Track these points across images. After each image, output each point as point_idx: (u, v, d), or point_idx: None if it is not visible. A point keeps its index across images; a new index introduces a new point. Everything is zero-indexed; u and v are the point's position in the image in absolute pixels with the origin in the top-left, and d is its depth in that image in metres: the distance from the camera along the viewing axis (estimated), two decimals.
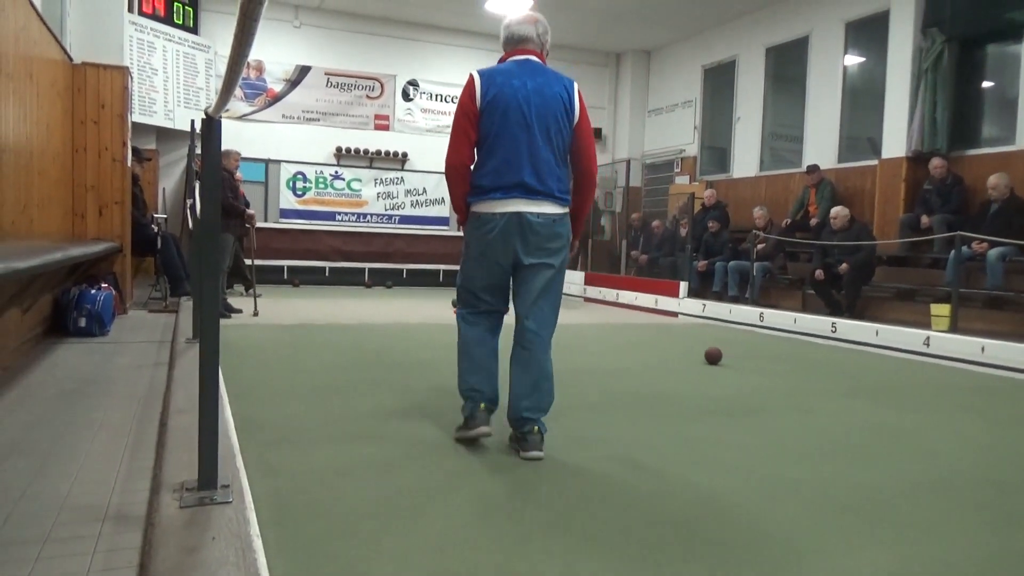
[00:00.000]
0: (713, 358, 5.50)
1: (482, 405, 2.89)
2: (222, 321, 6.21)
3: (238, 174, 8.16)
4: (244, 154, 11.05)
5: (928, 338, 6.09)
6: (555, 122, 2.81)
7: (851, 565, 2.01)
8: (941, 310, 6.36)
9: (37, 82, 4.90)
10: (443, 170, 2.93)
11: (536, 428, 2.85)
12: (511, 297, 2.98)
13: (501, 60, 2.97)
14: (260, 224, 10.83)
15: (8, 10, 4.13)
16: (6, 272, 2.61)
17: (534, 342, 2.87)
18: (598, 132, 13.48)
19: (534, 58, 2.91)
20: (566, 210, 2.87)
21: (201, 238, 2.30)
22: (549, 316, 2.91)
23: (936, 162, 7.72)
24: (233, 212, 6.94)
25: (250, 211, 7.28)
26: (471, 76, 2.86)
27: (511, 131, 2.77)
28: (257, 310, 7.25)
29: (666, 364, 5.49)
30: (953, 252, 6.55)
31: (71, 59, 6.23)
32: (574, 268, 11.74)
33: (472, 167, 2.87)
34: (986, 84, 8.02)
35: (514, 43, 2.94)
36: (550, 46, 3.00)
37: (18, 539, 1.94)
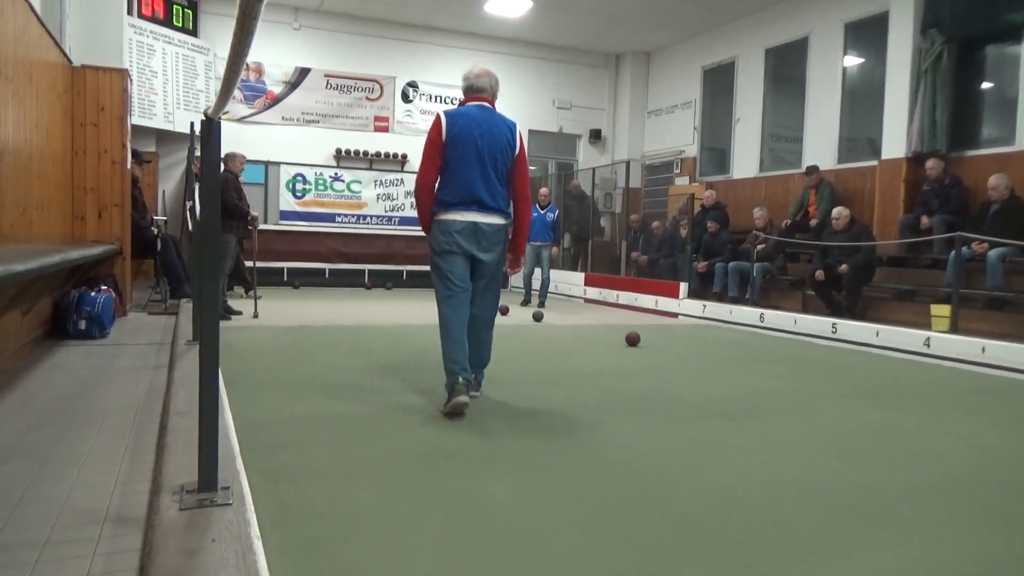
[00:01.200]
0: (632, 340, 6.26)
1: (460, 379, 3.52)
2: (222, 323, 6.25)
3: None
4: (245, 155, 11.09)
5: (929, 339, 6.09)
6: (500, 155, 3.65)
7: (854, 567, 2.01)
8: (941, 311, 6.36)
9: (36, 85, 4.90)
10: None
11: (475, 377, 3.92)
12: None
13: (462, 103, 3.81)
14: (260, 226, 10.85)
15: (7, 13, 4.13)
16: (5, 275, 2.61)
17: (478, 324, 3.84)
18: (598, 133, 13.48)
19: (487, 104, 3.78)
20: (507, 221, 3.74)
21: (201, 240, 2.30)
22: (491, 304, 3.89)
23: (931, 163, 7.72)
24: (238, 214, 6.94)
25: (253, 213, 7.28)
26: (438, 115, 3.65)
27: (468, 160, 3.58)
28: (257, 312, 7.25)
29: (666, 365, 5.48)
30: (953, 253, 6.55)
31: (70, 62, 6.23)
32: (574, 269, 11.74)
33: (436, 186, 3.67)
34: (986, 85, 8.02)
35: (473, 92, 3.80)
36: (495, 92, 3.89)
37: (18, 542, 1.93)
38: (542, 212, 9.66)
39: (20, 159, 4.45)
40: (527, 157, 3.81)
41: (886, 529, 2.29)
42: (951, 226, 7.08)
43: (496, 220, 3.67)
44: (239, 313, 7.21)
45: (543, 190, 10.02)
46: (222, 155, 7.43)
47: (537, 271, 9.72)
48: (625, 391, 4.31)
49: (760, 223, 8.89)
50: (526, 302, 9.64)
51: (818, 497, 2.55)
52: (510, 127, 3.73)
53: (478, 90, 3.80)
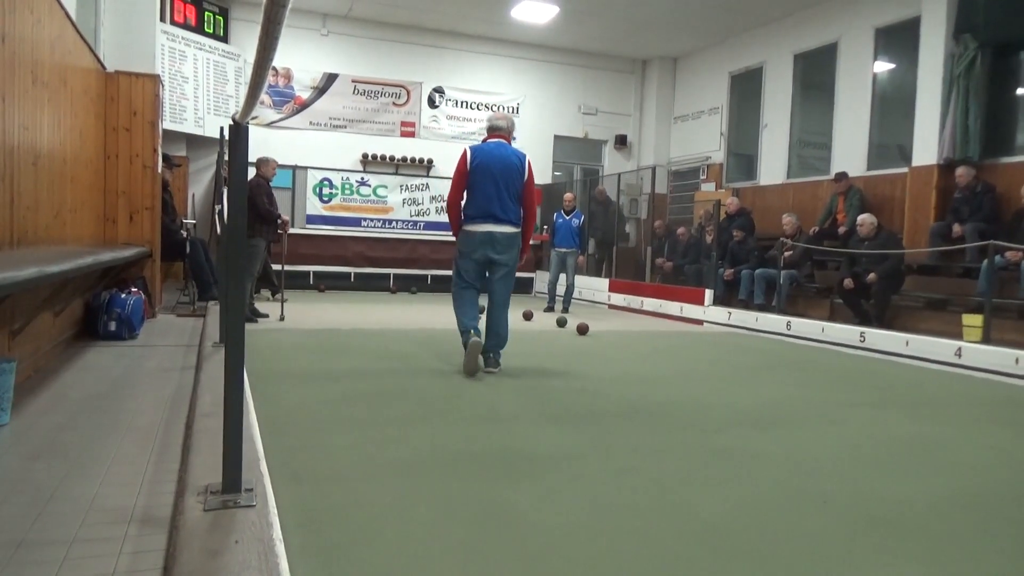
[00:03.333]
0: (582, 330, 7.13)
1: (471, 331, 4.70)
2: (249, 326, 6.31)
3: None
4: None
5: (960, 349, 5.98)
6: (511, 180, 4.75)
7: None
8: (973, 320, 6.23)
9: (71, 90, 5.00)
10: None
11: (492, 355, 4.85)
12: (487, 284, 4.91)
13: (485, 140, 4.91)
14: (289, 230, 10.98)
15: (44, 20, 4.22)
16: (39, 276, 2.65)
17: (494, 305, 4.85)
18: (623, 139, 13.44)
19: (503, 140, 4.87)
20: (518, 230, 4.81)
21: (228, 243, 2.32)
22: (505, 290, 4.85)
23: (961, 171, 7.59)
24: (269, 218, 7.02)
25: (284, 217, 7.36)
26: (465, 151, 4.80)
27: (486, 185, 4.71)
28: (283, 315, 7.32)
29: (692, 373, 5.44)
30: (986, 261, 6.42)
31: (104, 67, 6.34)
32: (598, 275, 11.70)
33: (463, 203, 4.82)
34: (1020, 91, 7.87)
35: (493, 131, 4.91)
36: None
37: (46, 539, 1.96)
38: (567, 218, 9.54)
39: (55, 163, 4.54)
40: (535, 179, 4.92)
41: (915, 543, 2.24)
42: (983, 234, 6.95)
43: (507, 229, 4.76)
44: (266, 316, 7.28)
45: (568, 195, 9.90)
46: (255, 160, 7.52)
47: (562, 277, 9.64)
48: (649, 398, 4.28)
49: (789, 230, 8.78)
50: (550, 308, 9.55)
51: (846, 509, 2.51)
52: (520, 158, 4.81)
53: (497, 129, 4.90)
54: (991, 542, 2.29)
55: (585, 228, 9.85)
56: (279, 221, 7.16)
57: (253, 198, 6.84)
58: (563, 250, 9.50)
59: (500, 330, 4.85)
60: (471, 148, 4.80)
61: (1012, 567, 2.11)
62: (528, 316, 8.37)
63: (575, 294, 10.02)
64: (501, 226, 4.73)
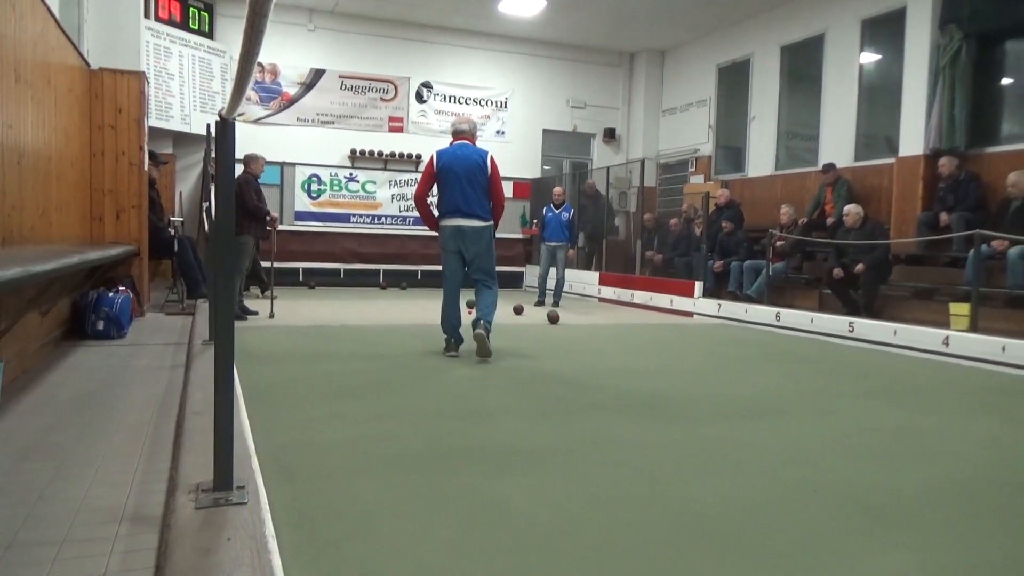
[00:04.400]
0: (552, 319, 7.60)
1: (452, 340, 5.33)
2: (238, 323, 6.29)
3: None
4: None
5: (947, 338, 6.02)
6: (475, 176, 5.22)
7: (873, 569, 1.99)
8: (961, 309, 6.28)
9: (55, 88, 4.95)
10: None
11: (482, 322, 5.18)
12: (468, 272, 5.37)
13: (451, 143, 5.41)
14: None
15: (27, 17, 4.18)
16: (25, 276, 2.63)
17: (480, 285, 5.33)
18: (612, 132, 13.44)
19: (467, 142, 5.37)
20: (486, 223, 5.26)
21: (216, 241, 2.31)
22: (483, 270, 5.33)
23: (943, 161, 7.63)
24: (258, 215, 7.00)
25: (273, 214, 7.34)
26: (432, 155, 5.36)
27: (451, 184, 5.22)
28: (273, 312, 7.29)
29: (682, 365, 5.46)
30: (973, 251, 6.47)
31: (88, 65, 6.29)
32: (588, 268, 11.71)
33: (435, 201, 5.40)
34: (1005, 81, 7.91)
35: (458, 134, 5.43)
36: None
37: (37, 540, 1.95)
38: (557, 212, 9.51)
39: (39, 161, 4.50)
40: (499, 173, 5.35)
41: (905, 531, 2.26)
42: (970, 223, 6.99)
43: (474, 223, 5.22)
44: (255, 313, 7.25)
45: (557, 189, 9.88)
46: (243, 157, 7.48)
47: (552, 271, 9.63)
48: (640, 390, 4.30)
49: (786, 220, 8.81)
50: (540, 302, 9.52)
51: (836, 498, 2.53)
52: (482, 156, 5.28)
53: (460, 132, 5.42)
54: (979, 528, 2.31)
55: (575, 222, 9.85)
56: (267, 218, 7.14)
57: (241, 195, 6.81)
58: (553, 244, 9.49)
59: (488, 302, 5.31)
60: (437, 152, 5.36)
61: (1001, 553, 2.13)
62: (519, 310, 8.38)
63: (565, 288, 10.03)
64: (468, 220, 5.21)
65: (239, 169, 9.97)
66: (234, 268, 6.81)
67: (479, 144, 5.52)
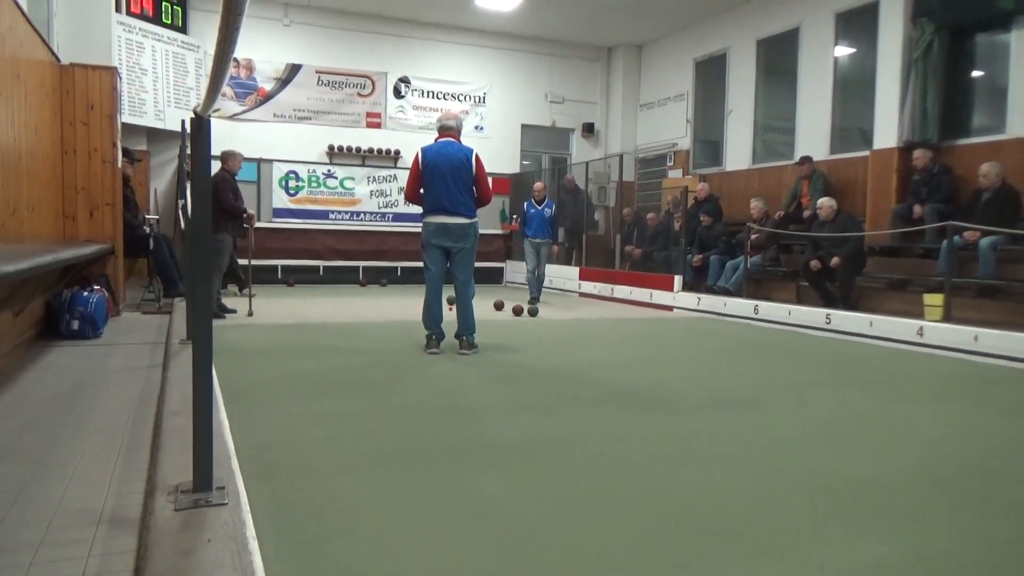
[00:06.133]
0: (516, 312, 7.81)
1: (434, 337, 5.30)
2: (217, 322, 6.23)
3: None
4: None
5: (921, 328, 6.11)
6: (460, 174, 5.25)
7: (852, 557, 2.01)
8: (934, 300, 6.37)
9: (25, 83, 4.86)
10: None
11: (465, 339, 5.32)
12: (449, 268, 5.44)
13: (436, 139, 5.42)
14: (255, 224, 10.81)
15: None
16: None
17: (458, 284, 5.38)
18: (591, 127, 13.46)
19: (452, 139, 5.38)
20: (470, 220, 5.31)
21: (193, 238, 2.28)
22: (465, 270, 5.37)
23: (918, 153, 7.73)
24: (235, 213, 6.93)
25: (250, 211, 7.27)
26: (417, 152, 5.35)
27: (436, 181, 5.25)
28: (252, 310, 7.23)
29: (662, 358, 5.50)
30: (945, 242, 6.56)
31: (59, 60, 6.18)
32: (568, 263, 11.73)
33: (421, 197, 5.38)
34: (976, 73, 8.03)
35: (444, 130, 5.44)
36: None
37: (13, 544, 1.92)
38: (539, 208, 9.40)
39: (9, 158, 4.42)
40: (485, 170, 5.38)
41: (882, 519, 2.29)
42: (942, 215, 7.09)
43: (459, 220, 5.26)
44: (233, 311, 7.19)
45: (538, 185, 9.81)
46: (219, 153, 7.38)
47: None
48: (621, 384, 4.32)
49: (757, 214, 8.87)
50: (532, 300, 9.08)
51: (814, 488, 2.56)
52: (467, 154, 5.30)
53: (446, 129, 5.42)
54: (955, 516, 2.35)
55: (556, 217, 9.82)
56: (245, 216, 7.07)
57: (218, 193, 6.75)
58: (538, 240, 9.39)
59: (467, 316, 5.34)
60: (422, 149, 5.37)
61: (975, 539, 2.17)
62: (499, 306, 8.37)
63: (545, 283, 10.02)
64: (452, 217, 5.25)
65: (216, 166, 9.92)
66: (213, 266, 6.80)
67: (462, 140, 5.49)
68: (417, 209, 5.52)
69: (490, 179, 5.67)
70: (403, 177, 12.14)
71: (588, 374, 4.63)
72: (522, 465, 2.73)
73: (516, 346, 5.75)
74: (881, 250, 7.97)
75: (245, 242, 7.68)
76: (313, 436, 3.05)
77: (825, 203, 7.77)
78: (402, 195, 12.17)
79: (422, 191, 5.37)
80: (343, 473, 2.59)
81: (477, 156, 5.35)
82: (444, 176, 5.22)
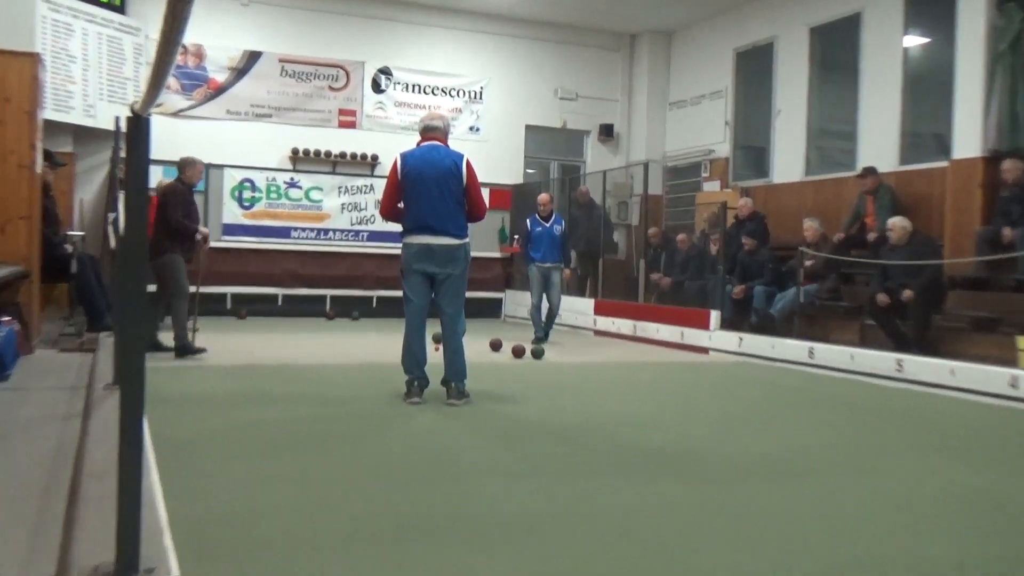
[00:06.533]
0: (517, 353, 7.79)
1: (416, 383, 5.22)
2: (151, 362, 6.16)
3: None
4: (180, 156, 11.05)
5: (1015, 378, 6.07)
6: (447, 184, 5.23)
7: None
8: None
9: None
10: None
11: (454, 385, 5.20)
12: (434, 299, 5.41)
13: (419, 143, 5.45)
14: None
15: None
16: None
17: (444, 320, 5.35)
18: (609, 129, 13.54)
19: (438, 142, 5.40)
20: (461, 241, 5.29)
21: (125, 260, 2.27)
22: (453, 302, 5.33)
23: (1007, 164, 7.73)
24: (185, 234, 6.93)
25: (204, 230, 7.28)
26: (396, 158, 5.40)
27: (419, 194, 5.24)
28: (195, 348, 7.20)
29: (695, 413, 5.46)
30: None
31: None
32: (581, 294, 11.72)
33: (400, 212, 5.40)
34: None
35: (428, 132, 5.44)
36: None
37: None
38: (547, 225, 9.35)
39: None
40: (478, 179, 5.42)
41: None
42: None
43: (446, 241, 5.23)
44: (203, 351, 7.00)
45: (543, 197, 9.79)
46: (178, 160, 7.32)
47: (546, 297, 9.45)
48: (642, 445, 4.28)
49: (811, 236, 8.87)
50: (538, 340, 9.03)
51: None
52: (456, 161, 5.31)
53: (431, 130, 5.43)
54: None
55: (568, 235, 9.78)
56: (198, 236, 7.07)
57: (165, 207, 6.77)
58: (547, 265, 9.31)
59: (457, 357, 5.27)
60: (402, 155, 5.41)
61: None
62: (496, 346, 8.32)
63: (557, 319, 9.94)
64: (438, 237, 5.23)
65: (156, 173, 9.96)
66: (177, 290, 6.80)
67: (451, 145, 5.51)
68: (400, 228, 5.49)
69: (486, 191, 5.73)
70: (380, 188, 12.14)
71: (605, 432, 4.59)
72: (524, 545, 2.69)
73: (516, 396, 5.71)
74: (964, 282, 7.94)
75: (193, 266, 7.60)
76: (265, 505, 3.01)
77: (897, 223, 7.76)
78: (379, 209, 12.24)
79: (401, 205, 5.37)
80: (303, 552, 2.55)
81: (468, 163, 5.36)
82: (428, 187, 5.20)
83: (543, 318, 9.51)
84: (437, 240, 5.21)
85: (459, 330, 5.33)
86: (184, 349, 6.89)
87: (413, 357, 5.27)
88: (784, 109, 11.07)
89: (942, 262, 7.74)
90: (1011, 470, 4.07)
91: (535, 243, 9.39)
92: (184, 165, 7.17)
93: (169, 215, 6.80)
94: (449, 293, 5.31)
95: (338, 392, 5.65)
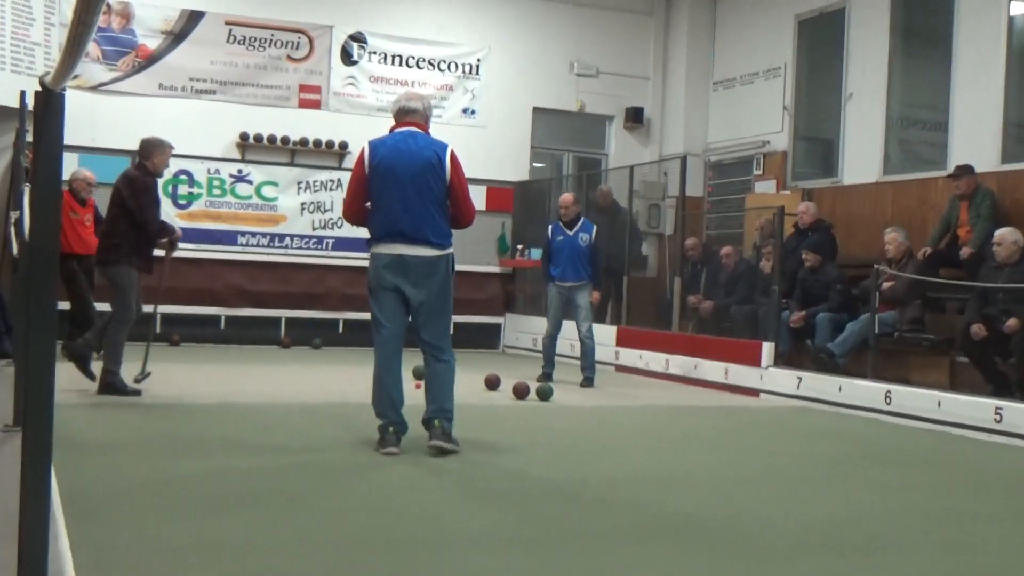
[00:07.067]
0: (519, 393, 7.76)
1: (391, 429, 5.19)
2: (61, 397, 6.15)
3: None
4: (101, 141, 11.12)
5: None
6: (426, 181, 5.24)
7: None
8: None
9: None
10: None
11: (438, 424, 5.18)
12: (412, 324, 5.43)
13: (392, 129, 5.47)
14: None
15: None
16: None
17: (426, 352, 5.38)
18: (639, 114, 13.54)
19: (415, 129, 5.41)
20: (442, 252, 5.28)
21: (32, 271, 2.30)
22: (435, 328, 5.37)
23: None
24: (160, 236, 6.97)
25: (178, 231, 7.32)
26: (363, 147, 5.40)
27: (389, 192, 5.22)
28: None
29: (739, 471, 5.46)
30: None
31: None
32: (601, 321, 11.70)
33: (367, 214, 5.40)
34: None
35: (404, 115, 5.47)
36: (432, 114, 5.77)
37: None
38: (571, 233, 9.25)
39: None
40: (464, 175, 5.47)
41: None
42: None
43: (423, 252, 5.23)
44: (137, 392, 6.91)
45: (565, 198, 9.72)
46: (140, 143, 7.28)
47: (568, 325, 9.31)
48: (673, 510, 4.30)
49: (894, 251, 8.86)
50: (547, 376, 9.06)
51: None
52: (438, 151, 5.34)
53: (408, 113, 5.49)
54: None
55: (598, 247, 9.48)
56: (171, 238, 7.12)
57: (134, 201, 6.72)
58: (568, 284, 9.21)
59: (441, 388, 5.34)
60: (370, 143, 5.44)
61: None
62: (492, 383, 8.30)
63: (561, 348, 9.88)
64: (414, 247, 5.24)
65: (71, 161, 9.96)
66: (122, 310, 6.79)
67: (434, 133, 5.54)
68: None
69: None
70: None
71: (625, 492, 4.59)
72: None
73: (516, 446, 5.73)
74: None
75: (153, 279, 7.53)
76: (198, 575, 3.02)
77: (1007, 237, 7.72)
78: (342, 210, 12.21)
79: (368, 205, 5.39)
80: None
81: (453, 155, 5.38)
82: (402, 184, 5.22)
83: (563, 353, 9.39)
84: (412, 250, 5.22)
85: (447, 362, 5.37)
86: (112, 387, 6.77)
87: (387, 397, 5.26)
88: (857, 92, 11.07)
89: None
90: None
91: (555, 256, 9.31)
92: (151, 149, 7.05)
93: (144, 211, 6.75)
94: (430, 318, 5.34)
95: (292, 439, 5.64)
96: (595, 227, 9.50)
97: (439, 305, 5.33)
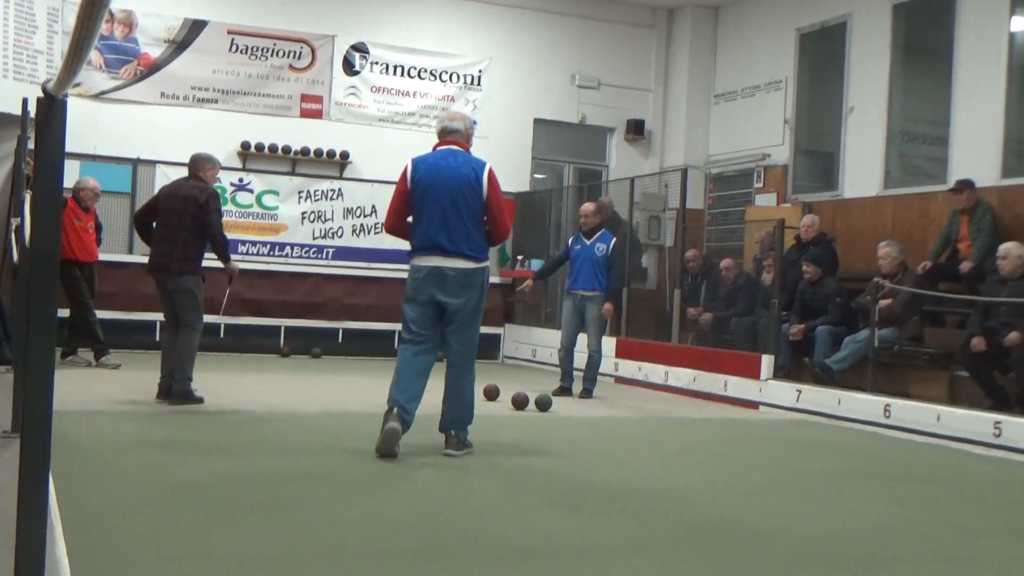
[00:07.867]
0: (518, 404, 7.85)
1: (395, 410, 5.24)
2: (60, 404, 6.15)
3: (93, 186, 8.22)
4: (103, 149, 11.14)
5: None
6: (463, 197, 5.47)
7: None
8: None
9: None
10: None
11: (454, 434, 5.44)
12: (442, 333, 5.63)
13: (435, 147, 5.76)
14: (120, 258, 10.85)
15: None
16: None
17: (450, 364, 5.60)
18: (640, 126, 13.56)
19: (456, 147, 5.67)
20: (478, 265, 5.53)
21: (33, 280, 2.29)
22: (462, 344, 5.60)
23: None
24: (226, 251, 7.27)
25: (235, 265, 7.56)
26: (407, 164, 5.65)
27: (429, 207, 5.48)
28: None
29: (739, 484, 5.45)
30: None
31: None
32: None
33: (407, 227, 5.71)
34: None
35: (446, 134, 5.76)
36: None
37: None
38: (588, 243, 9.26)
39: None
40: (501, 194, 5.74)
41: None
42: None
43: (460, 264, 5.44)
44: (200, 400, 7.07)
45: (587, 207, 9.64)
46: (190, 158, 7.42)
47: (580, 336, 9.35)
48: (674, 522, 4.29)
49: (889, 265, 8.87)
50: (565, 389, 9.13)
51: None
52: (476, 169, 5.58)
53: (450, 133, 5.73)
54: None
55: (617, 259, 9.55)
56: (230, 274, 7.48)
57: (215, 213, 7.01)
58: (580, 293, 9.25)
59: (462, 399, 5.56)
60: (413, 160, 5.70)
61: None
62: (491, 394, 8.28)
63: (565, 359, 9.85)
64: (451, 260, 5.45)
65: (73, 169, 9.97)
66: (195, 320, 7.13)
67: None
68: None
69: None
70: (353, 193, 12.27)
71: (626, 505, 4.59)
72: None
73: (514, 457, 5.74)
74: None
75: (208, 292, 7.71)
76: None
77: (1012, 251, 7.70)
78: (351, 219, 12.22)
79: (410, 219, 5.62)
80: None
81: (491, 173, 5.63)
82: (441, 200, 5.46)
83: (581, 366, 9.30)
84: (449, 263, 5.45)
85: (467, 376, 5.61)
86: (187, 395, 6.97)
87: (403, 388, 5.41)
88: (858, 106, 11.09)
89: None
90: None
91: (572, 265, 9.40)
92: (201, 164, 7.30)
93: (216, 227, 7.02)
94: (460, 330, 5.55)
95: (291, 448, 5.64)
96: (614, 239, 9.49)
97: (471, 316, 5.58)
